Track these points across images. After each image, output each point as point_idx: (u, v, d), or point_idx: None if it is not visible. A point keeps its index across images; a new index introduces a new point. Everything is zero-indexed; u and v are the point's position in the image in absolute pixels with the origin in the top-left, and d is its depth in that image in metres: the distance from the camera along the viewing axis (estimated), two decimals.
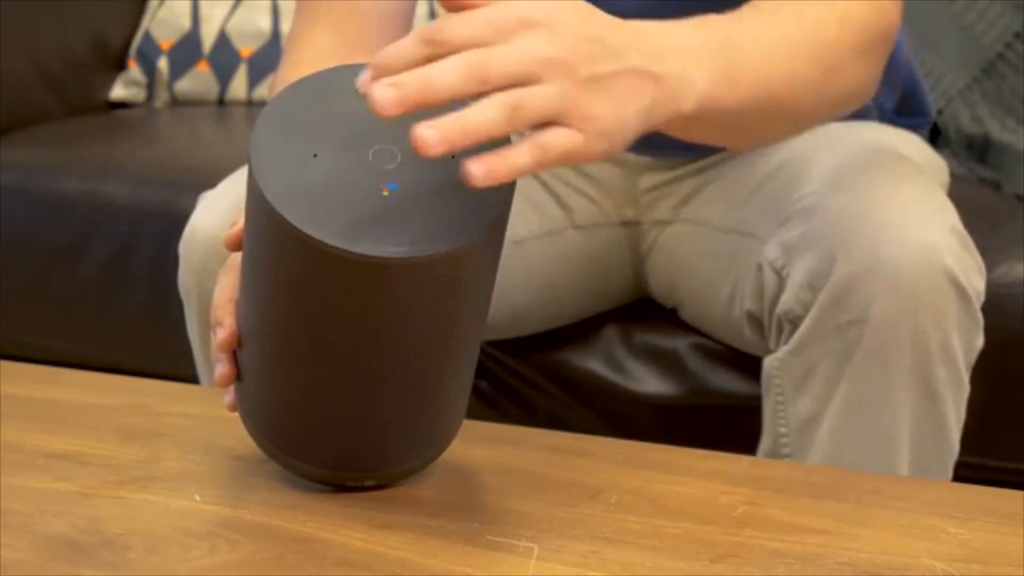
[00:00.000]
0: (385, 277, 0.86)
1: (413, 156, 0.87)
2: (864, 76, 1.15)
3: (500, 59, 0.84)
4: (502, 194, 0.88)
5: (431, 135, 0.81)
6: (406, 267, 0.85)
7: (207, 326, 1.27)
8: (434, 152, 0.81)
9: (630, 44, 0.90)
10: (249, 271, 0.92)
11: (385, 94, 0.82)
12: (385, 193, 0.87)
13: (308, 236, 0.85)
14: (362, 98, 0.85)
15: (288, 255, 0.87)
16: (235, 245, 0.98)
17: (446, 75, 0.83)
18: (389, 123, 0.88)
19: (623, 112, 0.88)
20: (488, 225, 0.87)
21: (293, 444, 0.95)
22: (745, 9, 1.06)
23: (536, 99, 0.84)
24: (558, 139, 0.85)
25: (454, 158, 0.88)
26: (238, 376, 0.97)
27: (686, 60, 0.94)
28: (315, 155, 0.88)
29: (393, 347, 0.89)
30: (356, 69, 0.91)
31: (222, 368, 0.97)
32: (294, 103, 0.90)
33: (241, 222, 0.95)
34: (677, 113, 0.93)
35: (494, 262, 0.91)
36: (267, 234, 0.88)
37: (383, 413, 0.93)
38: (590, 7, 0.90)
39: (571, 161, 0.87)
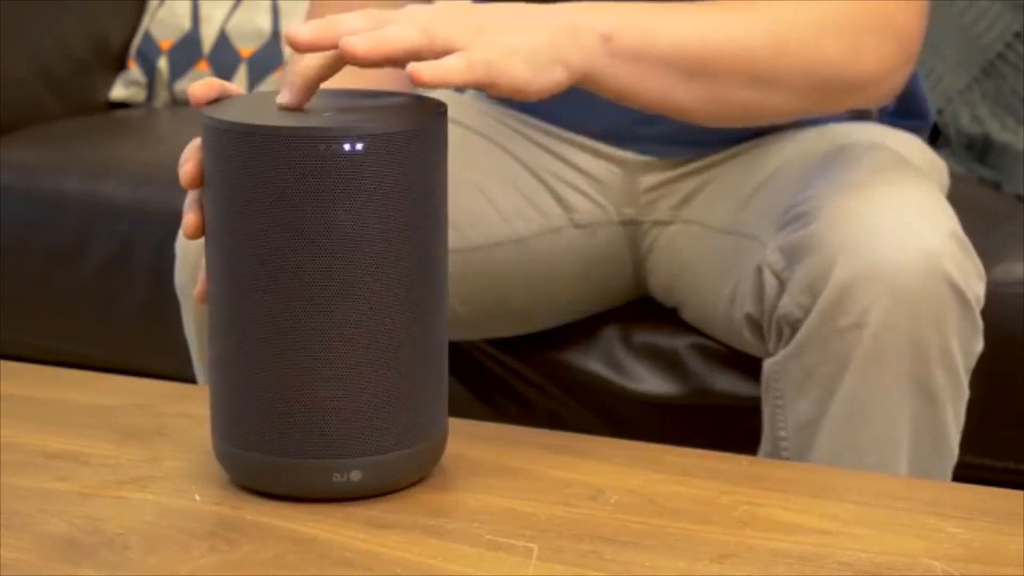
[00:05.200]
0: (310, 154, 0.91)
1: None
2: (841, 55, 1.12)
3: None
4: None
5: (359, 42, 0.95)
6: (332, 136, 0.91)
7: (204, 326, 1.27)
8: (363, 56, 0.95)
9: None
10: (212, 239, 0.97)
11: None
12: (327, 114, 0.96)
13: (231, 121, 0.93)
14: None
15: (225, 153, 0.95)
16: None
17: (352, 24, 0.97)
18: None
19: (516, 43, 1.00)
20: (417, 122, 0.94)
21: (278, 439, 0.94)
22: None
23: (440, 28, 0.98)
24: (452, 63, 0.98)
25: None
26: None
27: (590, 8, 1.04)
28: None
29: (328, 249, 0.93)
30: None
31: (190, 216, 1.02)
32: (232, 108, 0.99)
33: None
34: (596, 37, 1.02)
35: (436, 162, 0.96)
36: (213, 157, 0.96)
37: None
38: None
39: (454, 83, 0.99)
